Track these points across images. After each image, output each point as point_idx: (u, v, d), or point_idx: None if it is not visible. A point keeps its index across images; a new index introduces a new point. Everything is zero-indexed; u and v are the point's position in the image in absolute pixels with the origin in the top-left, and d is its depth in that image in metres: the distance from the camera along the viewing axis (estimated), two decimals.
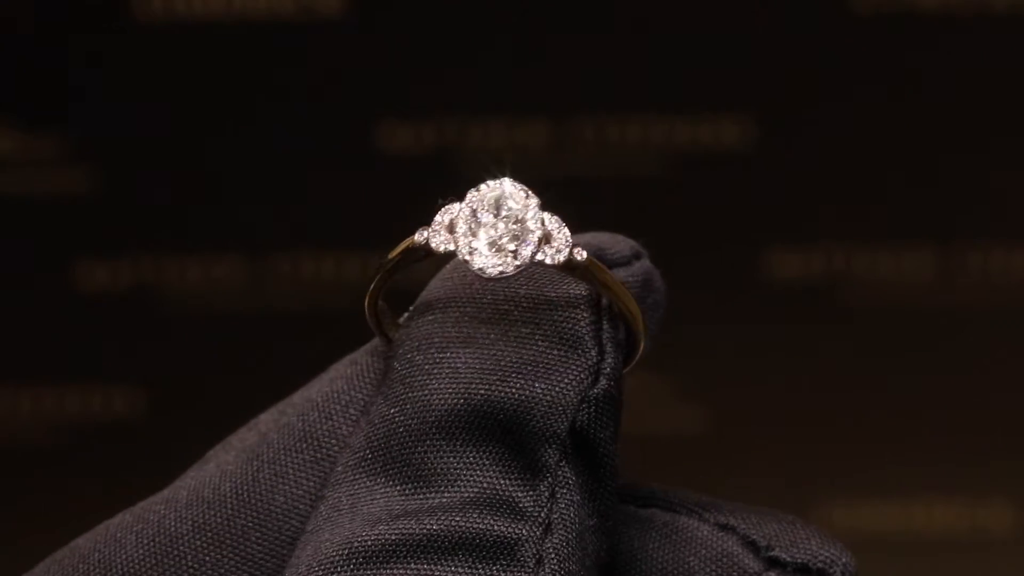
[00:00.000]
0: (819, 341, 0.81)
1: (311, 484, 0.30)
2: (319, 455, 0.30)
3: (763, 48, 0.79)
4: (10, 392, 0.83)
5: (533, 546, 0.27)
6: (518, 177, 0.30)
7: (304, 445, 0.30)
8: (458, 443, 0.28)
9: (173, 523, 0.30)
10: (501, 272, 0.29)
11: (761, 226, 0.81)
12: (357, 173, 0.81)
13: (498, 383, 0.28)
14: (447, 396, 0.28)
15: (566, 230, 0.29)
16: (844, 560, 0.29)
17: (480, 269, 0.29)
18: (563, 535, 0.28)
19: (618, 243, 0.31)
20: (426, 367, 0.29)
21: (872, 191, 0.80)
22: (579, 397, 0.28)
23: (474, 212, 0.29)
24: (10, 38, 0.81)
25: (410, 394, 0.28)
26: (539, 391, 0.28)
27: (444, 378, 0.28)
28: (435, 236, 0.29)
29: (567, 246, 0.29)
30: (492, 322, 0.29)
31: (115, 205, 0.81)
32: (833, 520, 0.81)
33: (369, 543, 0.27)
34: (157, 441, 0.82)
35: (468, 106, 0.80)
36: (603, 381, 0.28)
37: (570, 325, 0.29)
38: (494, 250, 0.29)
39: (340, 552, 0.27)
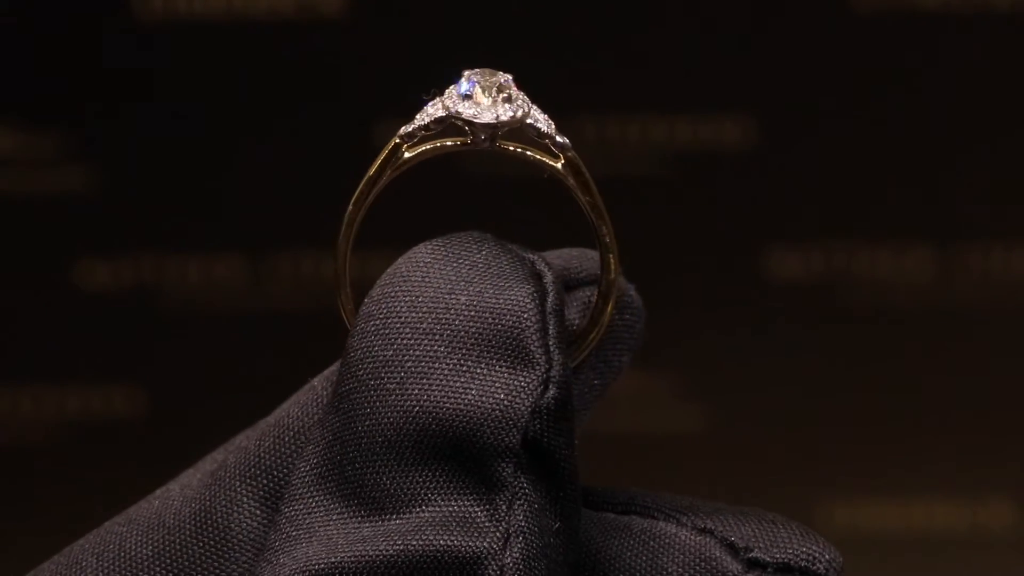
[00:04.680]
0: (819, 341, 0.81)
1: (263, 516, 0.29)
2: (271, 484, 0.29)
3: (763, 48, 0.79)
4: (10, 392, 0.83)
5: (494, 560, 0.27)
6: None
7: (257, 472, 0.30)
8: (409, 463, 0.28)
9: (134, 547, 0.30)
10: (499, 117, 0.28)
11: (761, 226, 0.81)
12: (357, 173, 0.81)
13: (445, 400, 0.28)
14: (395, 415, 0.28)
15: (552, 121, 0.29)
16: (828, 556, 0.29)
17: (475, 116, 0.29)
18: (523, 547, 0.27)
19: (586, 260, 0.31)
20: (371, 383, 0.28)
21: (872, 191, 0.80)
22: (530, 409, 0.28)
23: (464, 82, 0.29)
24: (10, 38, 0.81)
25: (357, 411, 0.28)
26: (487, 405, 0.28)
27: (390, 395, 0.28)
28: (423, 115, 0.29)
29: (551, 124, 0.29)
30: (435, 334, 0.28)
31: (115, 205, 0.81)
32: (833, 520, 0.81)
33: (327, 568, 0.27)
34: (157, 441, 0.82)
35: None
36: (552, 390, 0.28)
37: (516, 334, 0.28)
38: (491, 102, 0.29)
39: None
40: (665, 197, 0.80)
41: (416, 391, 0.28)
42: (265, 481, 0.29)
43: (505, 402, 0.28)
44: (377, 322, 0.29)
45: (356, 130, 0.80)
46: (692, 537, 0.29)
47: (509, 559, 0.27)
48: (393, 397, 0.28)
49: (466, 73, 0.29)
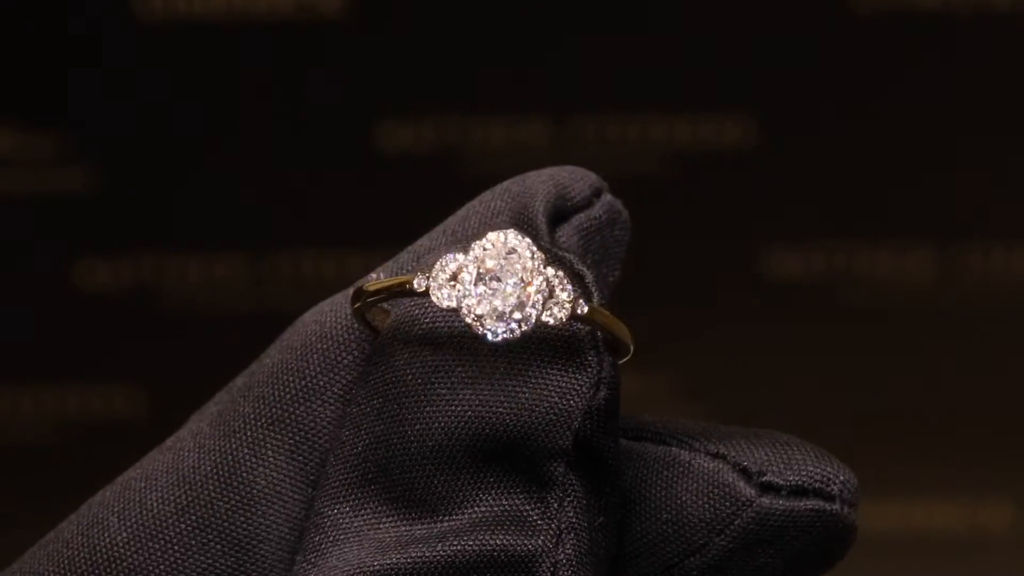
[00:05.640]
0: (819, 341, 0.81)
1: (291, 470, 0.29)
2: (297, 440, 0.29)
3: (763, 48, 0.79)
4: (10, 392, 0.83)
5: (547, 558, 0.27)
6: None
7: (282, 427, 0.29)
8: (460, 466, 0.28)
9: (156, 503, 0.29)
10: (506, 339, 0.28)
11: (761, 226, 0.81)
12: (357, 173, 0.81)
13: (499, 404, 0.28)
14: (447, 420, 0.28)
15: (568, 285, 0.28)
16: (842, 478, 0.29)
17: (484, 335, 0.28)
18: (575, 543, 0.27)
19: (578, 182, 0.30)
20: (421, 388, 0.28)
21: (872, 191, 0.80)
22: (583, 410, 0.28)
23: (481, 275, 0.28)
24: (10, 38, 0.81)
25: (406, 415, 0.28)
26: (541, 409, 0.28)
27: (441, 400, 0.28)
28: (437, 289, 0.28)
29: (570, 302, 0.28)
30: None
31: (115, 205, 0.81)
32: None
33: (381, 570, 0.27)
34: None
35: (468, 106, 0.80)
36: (603, 391, 0.28)
37: (567, 336, 0.28)
38: (499, 318, 0.28)
39: None
40: (665, 197, 0.80)
41: (468, 395, 0.28)
42: (291, 435, 0.29)
43: (559, 405, 0.28)
44: (425, 325, 0.29)
45: (356, 130, 0.80)
46: (705, 463, 0.29)
47: (562, 555, 0.27)
48: (444, 402, 0.28)
49: (480, 256, 0.28)
